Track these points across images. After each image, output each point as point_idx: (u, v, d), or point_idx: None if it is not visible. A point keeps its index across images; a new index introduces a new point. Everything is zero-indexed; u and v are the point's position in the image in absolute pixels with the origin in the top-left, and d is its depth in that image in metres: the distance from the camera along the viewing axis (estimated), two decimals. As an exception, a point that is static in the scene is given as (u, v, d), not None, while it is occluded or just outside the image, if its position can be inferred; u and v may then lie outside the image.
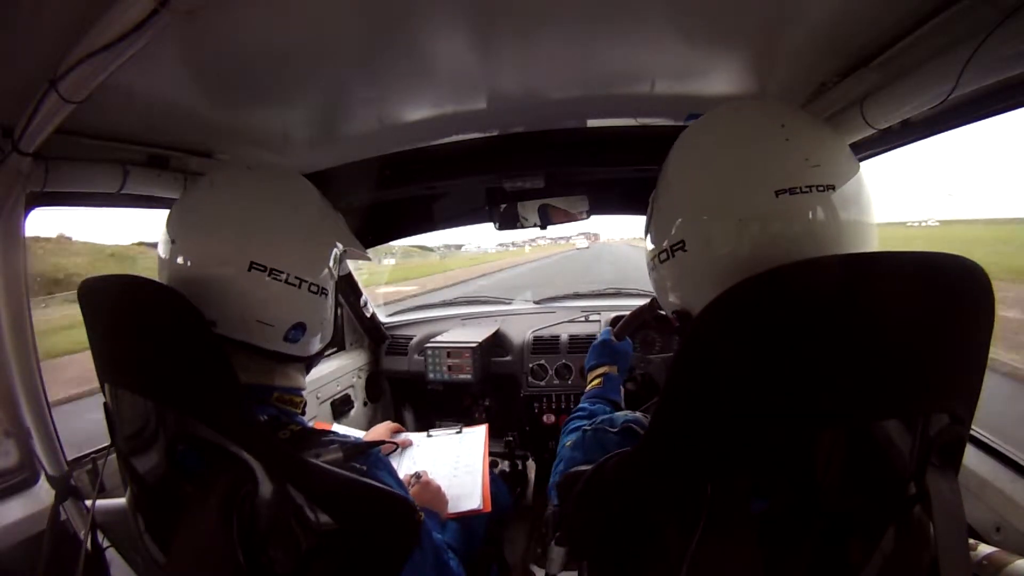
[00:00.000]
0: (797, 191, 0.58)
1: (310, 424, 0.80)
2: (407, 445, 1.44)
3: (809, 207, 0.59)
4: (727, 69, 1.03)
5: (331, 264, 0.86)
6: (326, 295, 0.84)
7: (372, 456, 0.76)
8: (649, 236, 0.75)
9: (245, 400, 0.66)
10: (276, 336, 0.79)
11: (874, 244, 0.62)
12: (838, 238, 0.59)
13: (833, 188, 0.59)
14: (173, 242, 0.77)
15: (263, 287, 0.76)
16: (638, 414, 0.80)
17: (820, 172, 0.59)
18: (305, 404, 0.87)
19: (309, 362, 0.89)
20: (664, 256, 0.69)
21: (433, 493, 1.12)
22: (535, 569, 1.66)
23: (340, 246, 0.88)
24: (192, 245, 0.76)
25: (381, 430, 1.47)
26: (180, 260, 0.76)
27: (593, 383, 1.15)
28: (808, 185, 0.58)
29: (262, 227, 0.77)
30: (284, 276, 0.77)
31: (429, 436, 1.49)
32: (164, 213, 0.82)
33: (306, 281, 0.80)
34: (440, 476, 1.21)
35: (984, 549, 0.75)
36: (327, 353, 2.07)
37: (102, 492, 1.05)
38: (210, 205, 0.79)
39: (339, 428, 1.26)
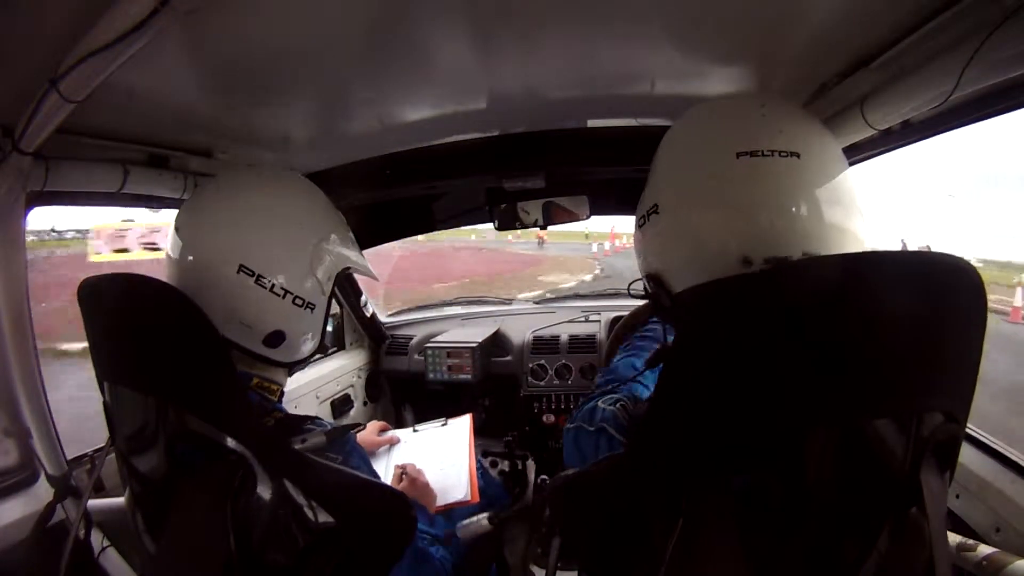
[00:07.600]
0: (759, 154, 0.57)
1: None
2: (394, 443, 1.43)
3: (771, 171, 0.58)
4: (727, 69, 1.03)
5: (324, 281, 0.85)
6: (312, 308, 0.84)
7: (348, 444, 0.78)
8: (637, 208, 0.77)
9: (243, 392, 0.67)
10: (256, 339, 0.80)
11: (853, 241, 0.60)
12: (803, 210, 0.58)
13: (798, 156, 0.58)
14: (177, 231, 0.80)
15: (249, 291, 0.77)
16: (617, 406, 0.79)
17: (785, 139, 0.58)
18: (282, 393, 0.88)
19: (291, 367, 0.89)
20: (642, 221, 0.71)
21: (420, 489, 1.13)
22: (535, 569, 1.66)
23: (340, 266, 0.88)
24: (194, 241, 0.79)
25: (368, 428, 1.48)
26: (181, 254, 0.78)
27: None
28: (771, 149, 0.57)
29: (259, 233, 0.79)
30: (269, 284, 0.78)
31: (415, 431, 1.49)
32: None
33: (291, 293, 0.80)
34: (427, 470, 1.21)
35: (984, 549, 0.75)
36: (328, 352, 2.08)
37: (102, 491, 1.06)
38: (217, 203, 0.82)
39: None
